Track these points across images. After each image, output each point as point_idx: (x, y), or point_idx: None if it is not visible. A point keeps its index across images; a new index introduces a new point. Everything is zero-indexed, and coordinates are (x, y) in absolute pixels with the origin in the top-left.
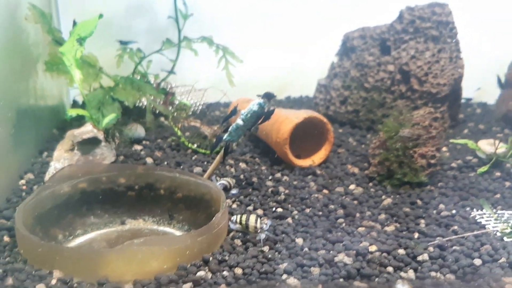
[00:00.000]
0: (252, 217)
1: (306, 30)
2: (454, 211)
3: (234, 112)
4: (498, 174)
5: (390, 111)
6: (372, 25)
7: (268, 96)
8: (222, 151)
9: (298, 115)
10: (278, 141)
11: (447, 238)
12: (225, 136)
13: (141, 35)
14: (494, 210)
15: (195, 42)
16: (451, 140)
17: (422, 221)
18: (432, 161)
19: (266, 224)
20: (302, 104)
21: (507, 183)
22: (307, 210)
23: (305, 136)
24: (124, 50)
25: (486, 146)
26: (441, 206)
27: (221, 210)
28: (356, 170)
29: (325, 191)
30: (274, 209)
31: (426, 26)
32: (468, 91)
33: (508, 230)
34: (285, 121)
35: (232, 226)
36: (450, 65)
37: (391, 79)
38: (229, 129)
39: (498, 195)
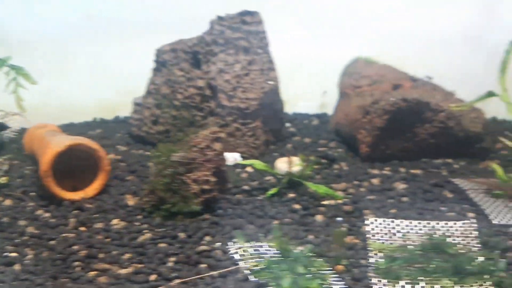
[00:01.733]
0: None
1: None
2: (217, 244)
3: None
4: (291, 195)
5: (202, 130)
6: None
7: None
8: None
9: (61, 142)
10: (40, 172)
11: (186, 279)
12: None
13: None
14: (253, 243)
15: None
16: (237, 161)
17: (173, 259)
18: (206, 187)
19: None
20: (125, 126)
21: (297, 206)
22: (45, 254)
23: (86, 165)
24: None
25: (282, 164)
26: (207, 238)
27: None
28: (134, 201)
29: (82, 228)
30: (7, 253)
31: (236, 36)
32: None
33: (258, 267)
34: (46, 150)
35: None
36: (260, 77)
37: (200, 95)
38: None
39: (277, 221)
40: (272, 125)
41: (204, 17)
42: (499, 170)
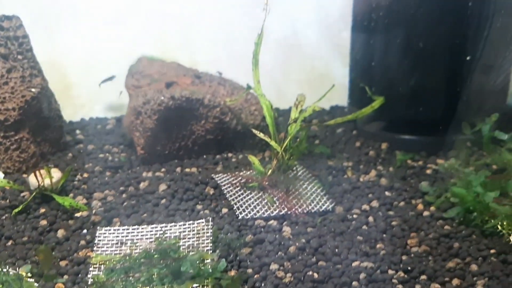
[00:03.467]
0: None
1: None
2: None
3: None
4: (42, 210)
5: None
6: None
7: None
8: None
9: None
10: None
11: None
12: None
13: None
14: None
15: None
16: None
17: None
18: None
19: None
20: None
21: (43, 222)
22: None
23: None
24: None
25: (34, 178)
26: None
27: None
28: None
29: None
30: None
31: None
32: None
33: None
34: None
35: None
36: (22, 85)
37: None
38: None
39: (11, 241)
40: (47, 135)
41: None
42: (255, 161)
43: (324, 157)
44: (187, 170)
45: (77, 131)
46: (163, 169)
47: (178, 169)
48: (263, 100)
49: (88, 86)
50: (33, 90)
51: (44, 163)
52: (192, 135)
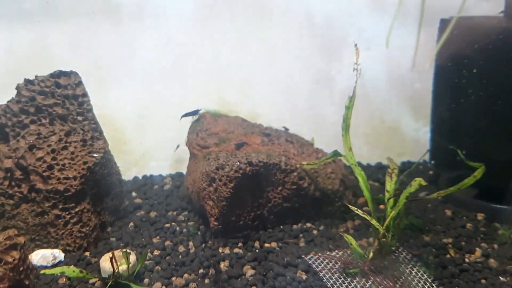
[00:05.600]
0: None
1: None
2: None
3: None
4: None
5: (14, 222)
6: None
7: None
8: None
9: None
10: None
11: None
12: None
13: None
14: None
15: None
16: (59, 259)
17: None
18: None
19: None
20: None
21: None
22: None
23: None
24: None
25: (106, 263)
26: None
27: None
28: None
29: None
30: None
31: (50, 103)
32: (166, 159)
33: None
34: None
35: None
36: (83, 150)
37: (9, 178)
38: None
39: None
40: (107, 203)
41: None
42: (353, 242)
43: (416, 229)
44: (267, 245)
45: (133, 193)
46: (240, 244)
47: (257, 244)
48: (357, 171)
49: (141, 141)
50: (95, 155)
51: (104, 236)
52: (268, 203)
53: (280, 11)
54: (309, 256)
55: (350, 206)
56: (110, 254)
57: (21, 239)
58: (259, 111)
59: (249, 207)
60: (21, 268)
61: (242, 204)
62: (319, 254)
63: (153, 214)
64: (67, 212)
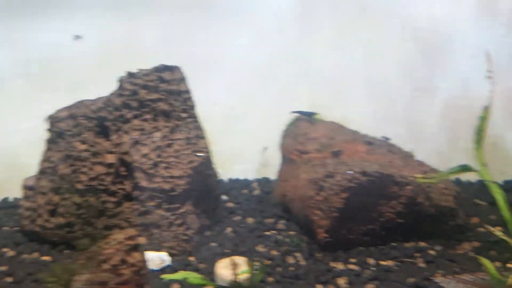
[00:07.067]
0: None
1: None
2: None
3: None
4: None
5: (116, 221)
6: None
7: None
8: None
9: None
10: None
11: None
12: None
13: None
14: None
15: None
16: (165, 263)
17: None
18: None
19: None
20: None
21: None
22: None
23: None
24: None
25: (225, 270)
26: None
27: None
28: None
29: None
30: None
31: (154, 98)
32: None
33: None
34: None
35: None
36: (187, 149)
37: (111, 174)
38: None
39: None
40: (206, 206)
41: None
42: (490, 266)
43: None
44: (382, 262)
45: (224, 197)
46: (352, 259)
47: (371, 261)
48: (494, 188)
49: (228, 143)
50: (200, 154)
51: (203, 241)
52: (380, 217)
53: (381, 12)
54: (439, 279)
55: (489, 227)
56: (227, 261)
57: (143, 240)
58: (351, 117)
59: (360, 221)
60: (142, 272)
61: (354, 217)
62: (449, 276)
63: (250, 220)
64: (171, 213)
